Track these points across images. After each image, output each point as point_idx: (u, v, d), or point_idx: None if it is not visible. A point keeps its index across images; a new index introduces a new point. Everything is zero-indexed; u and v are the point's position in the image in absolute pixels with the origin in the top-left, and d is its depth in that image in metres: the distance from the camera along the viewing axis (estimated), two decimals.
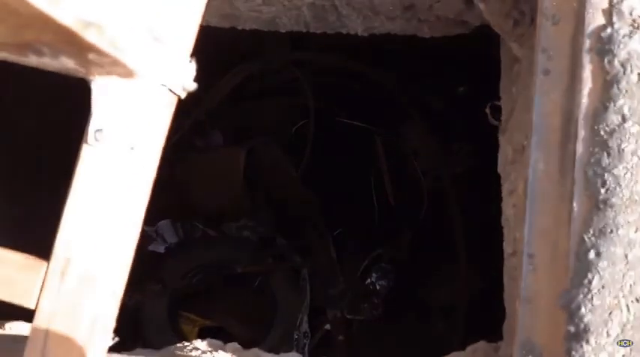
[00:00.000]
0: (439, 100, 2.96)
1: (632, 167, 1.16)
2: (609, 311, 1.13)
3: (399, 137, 3.06)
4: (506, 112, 1.65)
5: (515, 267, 1.45)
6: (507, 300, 1.48)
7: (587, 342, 1.13)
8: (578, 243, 1.17)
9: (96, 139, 1.07)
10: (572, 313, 1.15)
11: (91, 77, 1.07)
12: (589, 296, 1.14)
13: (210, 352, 1.43)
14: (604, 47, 1.20)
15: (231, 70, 2.97)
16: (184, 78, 1.09)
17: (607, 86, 1.19)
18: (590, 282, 1.14)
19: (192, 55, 1.11)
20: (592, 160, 1.18)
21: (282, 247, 3.02)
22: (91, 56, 1.02)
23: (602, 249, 1.15)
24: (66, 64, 1.05)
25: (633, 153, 1.16)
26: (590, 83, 1.21)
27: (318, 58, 2.96)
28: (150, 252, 2.88)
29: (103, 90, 1.07)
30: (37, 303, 1.07)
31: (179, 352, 1.40)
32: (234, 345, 1.47)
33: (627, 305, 1.13)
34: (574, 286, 1.16)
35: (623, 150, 1.16)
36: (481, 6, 1.52)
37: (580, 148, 1.20)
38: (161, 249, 2.95)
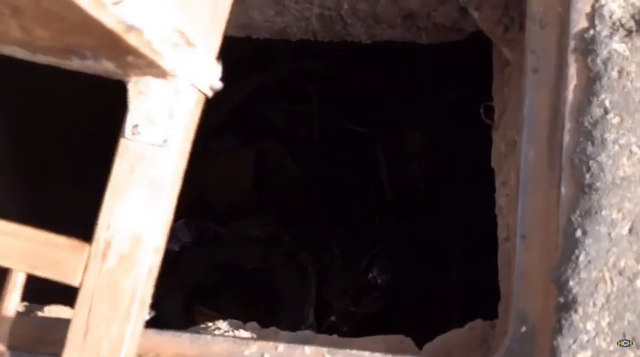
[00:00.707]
0: (437, 104, 2.99)
1: (613, 155, 1.19)
2: (595, 284, 1.16)
3: (398, 140, 3.09)
4: (499, 111, 1.68)
5: (508, 250, 1.48)
6: (502, 281, 1.50)
7: (576, 311, 1.16)
8: (566, 223, 1.20)
9: (132, 134, 1.12)
10: (561, 286, 1.18)
11: (128, 78, 1.13)
12: (577, 270, 1.17)
13: (232, 330, 1.48)
14: (587, 47, 1.24)
15: (243, 77, 2.99)
16: (212, 78, 1.14)
17: (590, 82, 1.23)
18: (577, 258, 1.17)
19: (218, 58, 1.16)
20: (578, 149, 1.22)
21: (289, 244, 3.06)
22: (130, 58, 1.07)
23: (588, 228, 1.18)
24: (106, 66, 1.10)
25: (614, 142, 1.19)
26: (575, 80, 1.24)
27: (324, 66, 2.99)
28: (166, 250, 2.91)
29: (138, 89, 1.12)
30: (81, 281, 1.12)
31: (204, 332, 1.44)
32: (253, 324, 1.51)
33: (611, 278, 1.16)
34: (563, 262, 1.19)
35: (605, 139, 1.20)
36: (475, 14, 1.57)
37: (567, 138, 1.23)
38: (176, 247, 3.00)
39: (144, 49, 1.01)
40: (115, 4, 0.92)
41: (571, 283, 1.18)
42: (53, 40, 1.07)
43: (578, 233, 1.19)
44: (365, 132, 3.08)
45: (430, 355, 1.40)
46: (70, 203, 2.36)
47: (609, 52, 1.23)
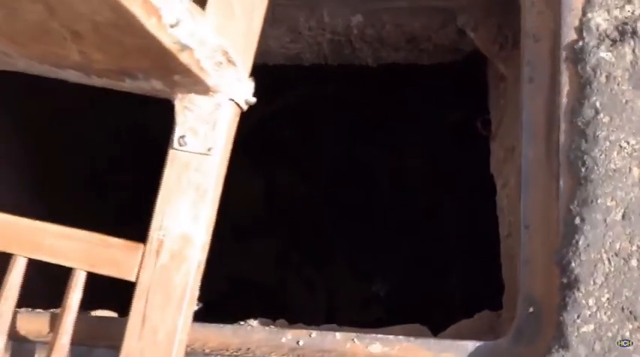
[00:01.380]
0: (438, 122, 3.06)
1: (605, 150, 1.27)
2: (594, 264, 1.24)
3: (400, 158, 3.16)
4: (496, 122, 1.76)
5: (510, 246, 1.54)
6: (505, 275, 1.57)
7: (578, 290, 1.24)
8: (566, 212, 1.28)
9: (180, 144, 1.20)
10: (564, 268, 1.25)
11: (174, 95, 1.21)
12: (577, 253, 1.24)
13: (262, 326, 1.54)
14: (577, 57, 1.32)
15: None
16: (247, 93, 1.22)
17: (581, 87, 1.30)
18: (577, 242, 1.24)
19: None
20: (573, 146, 1.29)
21: (298, 260, 3.12)
22: (176, 77, 1.15)
23: (586, 215, 1.25)
24: (155, 85, 1.18)
25: (606, 138, 1.27)
26: (567, 86, 1.32)
27: (333, 89, 3.05)
28: None
29: (184, 105, 1.19)
30: (137, 277, 1.19)
31: (238, 327, 1.50)
32: (282, 321, 1.58)
33: (608, 259, 1.24)
34: (564, 246, 1.26)
35: (597, 136, 1.27)
36: (472, 35, 1.65)
37: (562, 137, 1.30)
38: None
39: (193, 68, 1.09)
40: (173, 26, 1.01)
41: (573, 264, 1.25)
42: (109, 63, 1.15)
43: (577, 220, 1.26)
44: (368, 156, 3.14)
45: (445, 338, 1.47)
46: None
47: (597, 60, 1.30)
